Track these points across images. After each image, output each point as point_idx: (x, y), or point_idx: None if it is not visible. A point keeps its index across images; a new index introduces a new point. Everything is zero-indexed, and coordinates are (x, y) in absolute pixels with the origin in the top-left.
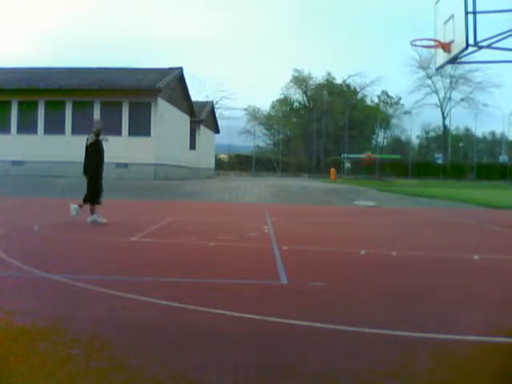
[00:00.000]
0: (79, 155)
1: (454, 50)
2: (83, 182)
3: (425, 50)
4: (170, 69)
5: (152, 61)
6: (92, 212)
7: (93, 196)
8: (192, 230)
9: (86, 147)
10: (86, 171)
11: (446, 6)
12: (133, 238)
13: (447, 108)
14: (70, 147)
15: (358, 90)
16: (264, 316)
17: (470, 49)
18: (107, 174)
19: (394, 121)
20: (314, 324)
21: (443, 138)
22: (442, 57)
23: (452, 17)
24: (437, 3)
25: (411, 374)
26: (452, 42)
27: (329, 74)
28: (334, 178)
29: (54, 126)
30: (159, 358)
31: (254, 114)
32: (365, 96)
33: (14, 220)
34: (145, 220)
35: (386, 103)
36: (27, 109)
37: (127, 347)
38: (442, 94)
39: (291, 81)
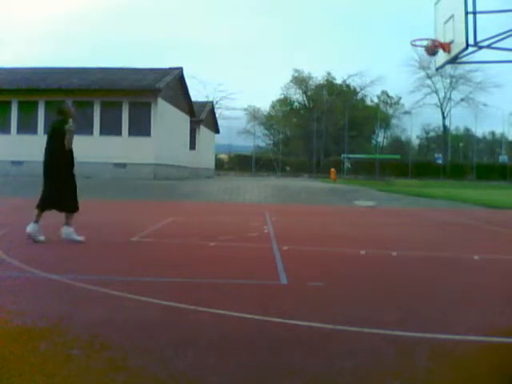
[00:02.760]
0: (79, 155)
1: (454, 50)
2: (83, 182)
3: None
4: (170, 69)
5: (152, 61)
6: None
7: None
8: (192, 230)
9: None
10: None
11: (446, 5)
12: (133, 238)
13: (447, 108)
14: None
15: (358, 90)
16: (264, 316)
17: (470, 49)
18: (104, 175)
19: (393, 121)
20: (314, 324)
21: (443, 138)
22: (441, 57)
23: (452, 17)
24: (437, 3)
25: (411, 374)
26: (452, 42)
27: (329, 73)
28: (333, 178)
29: None
30: (159, 357)
31: (253, 114)
32: (365, 96)
33: (14, 220)
34: (145, 220)
35: (386, 103)
36: (27, 109)
37: (127, 347)
38: (442, 94)
39: (291, 81)
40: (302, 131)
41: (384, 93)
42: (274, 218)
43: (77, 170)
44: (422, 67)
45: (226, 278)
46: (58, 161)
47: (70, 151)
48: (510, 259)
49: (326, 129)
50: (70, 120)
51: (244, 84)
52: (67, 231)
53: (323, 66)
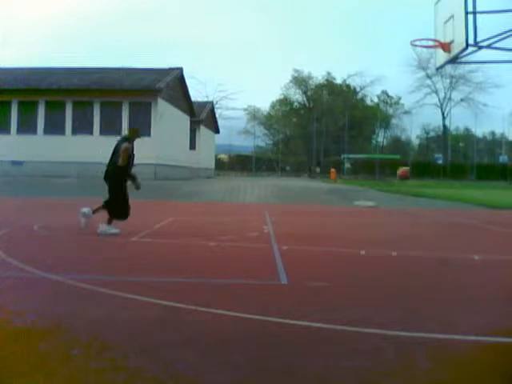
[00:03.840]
0: (79, 155)
1: (454, 50)
2: (84, 182)
3: (425, 49)
4: (169, 69)
5: (152, 61)
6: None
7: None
8: (192, 230)
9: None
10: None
11: (446, 5)
12: (133, 238)
13: (447, 108)
14: (70, 147)
15: (358, 89)
16: (264, 316)
17: (470, 49)
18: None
19: (394, 121)
20: (314, 324)
21: (443, 138)
22: (441, 57)
23: (452, 17)
24: (437, 3)
25: (411, 374)
26: (452, 42)
27: (329, 73)
28: (333, 178)
29: (54, 126)
30: (159, 358)
31: (253, 114)
32: (365, 96)
33: (14, 220)
34: (145, 220)
35: (386, 103)
36: (27, 109)
37: (127, 347)
38: (442, 94)
39: (291, 81)
40: (301, 131)
41: (384, 93)
42: (274, 217)
43: (77, 170)
44: (422, 67)
45: (226, 278)
46: (114, 174)
47: (127, 165)
48: (510, 259)
49: (326, 129)
50: (132, 142)
51: (244, 84)
52: (103, 228)
53: (323, 66)
